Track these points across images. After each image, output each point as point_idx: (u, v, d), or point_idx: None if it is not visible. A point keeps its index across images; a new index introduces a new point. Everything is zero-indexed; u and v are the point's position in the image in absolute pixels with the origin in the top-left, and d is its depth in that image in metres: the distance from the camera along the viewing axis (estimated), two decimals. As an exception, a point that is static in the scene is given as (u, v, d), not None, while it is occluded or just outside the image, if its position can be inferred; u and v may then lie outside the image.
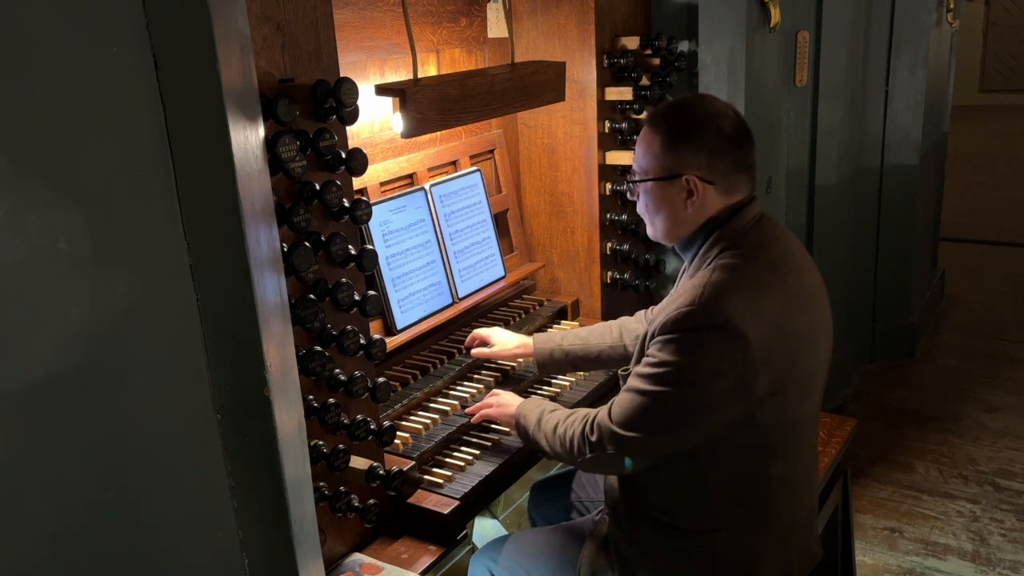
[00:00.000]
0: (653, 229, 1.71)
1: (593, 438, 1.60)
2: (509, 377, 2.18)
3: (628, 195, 1.74)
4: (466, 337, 2.23)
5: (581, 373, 2.23)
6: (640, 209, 1.71)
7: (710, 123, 1.59)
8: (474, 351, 2.16)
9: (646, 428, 1.54)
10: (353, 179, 1.63)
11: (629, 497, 1.70)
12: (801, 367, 1.55)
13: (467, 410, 1.98)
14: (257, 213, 0.98)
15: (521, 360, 2.20)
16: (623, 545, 1.71)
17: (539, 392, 2.17)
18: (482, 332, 2.18)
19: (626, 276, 2.61)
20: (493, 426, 1.97)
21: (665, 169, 1.61)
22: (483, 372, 2.19)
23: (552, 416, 1.73)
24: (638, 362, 1.60)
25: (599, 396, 2.19)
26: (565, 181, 2.55)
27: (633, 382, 1.56)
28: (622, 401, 1.58)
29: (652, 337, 1.55)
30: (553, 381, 2.22)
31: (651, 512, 1.66)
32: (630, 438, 1.55)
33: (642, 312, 2.09)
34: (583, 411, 1.68)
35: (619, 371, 1.72)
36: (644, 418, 1.54)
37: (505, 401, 1.90)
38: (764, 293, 1.52)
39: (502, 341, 2.13)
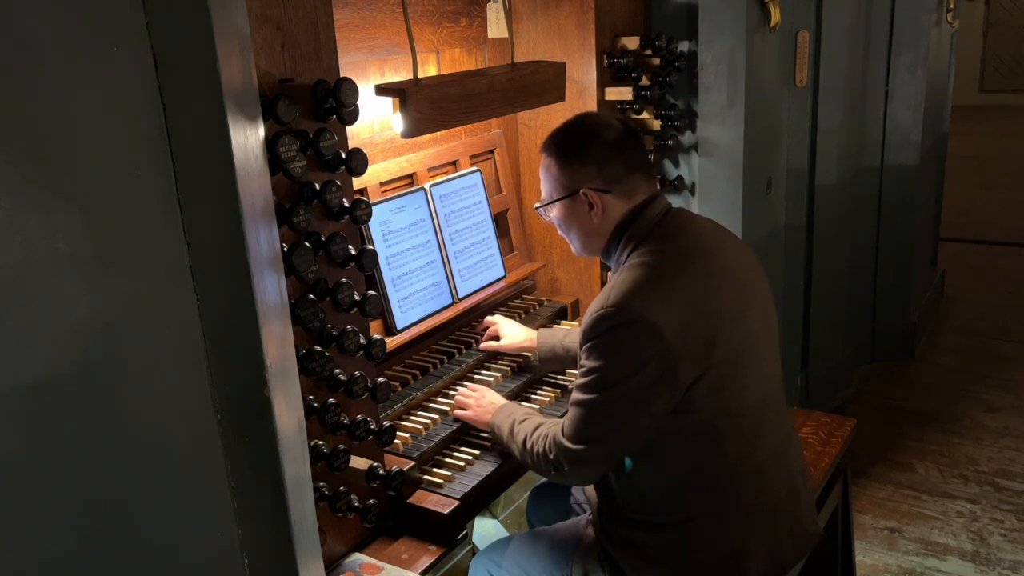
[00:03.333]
0: (574, 247, 1.80)
1: (552, 456, 1.64)
2: (509, 377, 2.18)
3: (542, 218, 1.84)
4: (467, 337, 2.25)
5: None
6: (560, 232, 1.80)
7: (593, 135, 1.68)
8: (484, 343, 2.20)
9: (592, 438, 1.58)
10: (353, 179, 1.63)
11: (604, 500, 1.73)
12: (727, 345, 1.58)
13: (453, 404, 1.99)
14: (257, 213, 0.98)
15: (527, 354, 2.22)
16: (609, 546, 1.74)
17: (543, 390, 2.17)
18: (492, 326, 2.22)
19: (626, 276, 2.61)
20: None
21: (564, 188, 1.71)
22: (483, 372, 2.19)
23: (522, 428, 1.76)
24: None
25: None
26: (565, 181, 2.54)
27: (573, 395, 1.62)
28: (569, 416, 1.62)
29: (581, 347, 1.60)
30: (558, 378, 2.22)
31: (625, 512, 1.69)
32: (581, 451, 1.59)
33: None
34: (547, 426, 1.71)
35: (570, 385, 1.76)
36: (589, 428, 1.58)
37: (483, 405, 1.91)
38: (672, 279, 1.57)
39: (510, 335, 2.19)
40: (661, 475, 1.63)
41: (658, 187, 1.73)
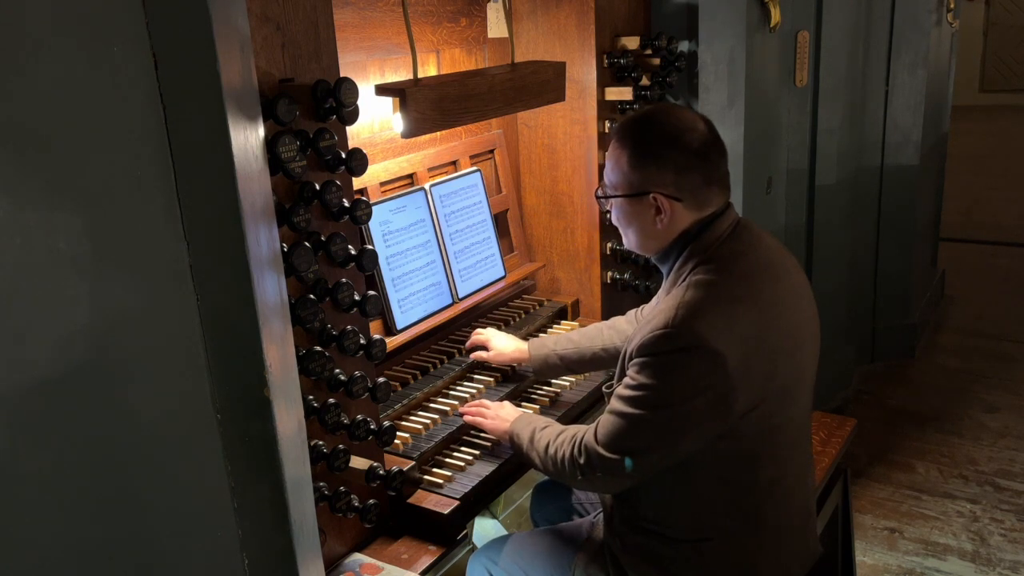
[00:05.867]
0: (627, 241, 1.70)
1: (582, 461, 1.60)
2: (509, 377, 2.18)
3: (600, 207, 1.73)
4: (466, 337, 2.24)
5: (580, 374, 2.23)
6: (614, 221, 1.70)
7: (676, 139, 1.56)
8: (473, 355, 2.17)
9: (631, 450, 1.54)
10: (353, 179, 1.63)
11: (621, 507, 1.71)
12: (781, 377, 1.55)
13: (462, 409, 1.98)
14: (257, 213, 0.98)
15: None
16: (617, 552, 1.72)
17: (539, 392, 2.17)
18: (481, 337, 2.18)
19: (626, 276, 2.61)
20: (493, 426, 1.97)
21: (632, 186, 1.59)
22: (483, 372, 2.19)
23: (543, 434, 1.72)
24: (620, 380, 1.60)
25: (597, 397, 2.19)
26: (565, 181, 2.55)
27: (615, 404, 1.56)
28: (606, 423, 1.57)
29: (631, 358, 1.54)
30: (553, 381, 2.22)
31: (642, 522, 1.66)
32: (616, 461, 1.55)
33: (633, 312, 2.09)
34: (572, 430, 1.67)
35: (603, 387, 1.72)
36: (628, 440, 1.54)
37: (502, 415, 1.88)
38: (738, 308, 1.50)
39: (499, 347, 2.14)
40: (687, 492, 1.60)
41: (730, 198, 1.63)
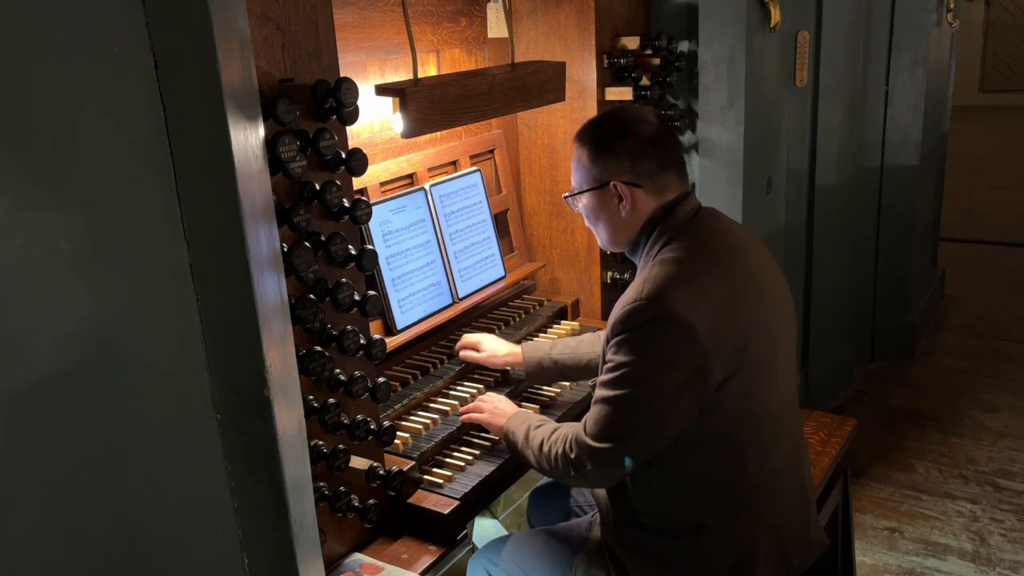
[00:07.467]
0: (600, 239, 1.77)
1: (572, 455, 1.61)
2: (509, 377, 2.18)
3: (570, 207, 1.81)
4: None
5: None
6: (586, 223, 1.78)
7: (629, 130, 1.66)
8: (463, 355, 2.15)
9: (618, 436, 1.55)
10: (353, 179, 1.63)
11: (616, 503, 1.71)
12: (755, 350, 1.57)
13: (461, 409, 1.98)
14: (257, 213, 0.98)
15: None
16: (616, 549, 1.72)
17: (537, 394, 2.17)
18: (471, 338, 2.16)
19: (626, 276, 2.61)
20: (493, 426, 1.96)
21: (594, 179, 1.69)
22: (483, 372, 2.19)
23: (538, 432, 1.73)
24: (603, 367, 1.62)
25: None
26: (565, 181, 2.55)
27: (598, 392, 1.59)
28: (592, 413, 1.59)
29: (608, 341, 1.57)
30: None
31: (637, 516, 1.67)
32: (606, 450, 1.56)
33: None
34: (566, 427, 1.68)
35: (589, 382, 1.74)
36: (614, 425, 1.55)
37: (498, 410, 1.89)
38: (706, 281, 1.55)
39: (492, 349, 2.13)
40: (677, 480, 1.61)
41: (690, 185, 1.71)
